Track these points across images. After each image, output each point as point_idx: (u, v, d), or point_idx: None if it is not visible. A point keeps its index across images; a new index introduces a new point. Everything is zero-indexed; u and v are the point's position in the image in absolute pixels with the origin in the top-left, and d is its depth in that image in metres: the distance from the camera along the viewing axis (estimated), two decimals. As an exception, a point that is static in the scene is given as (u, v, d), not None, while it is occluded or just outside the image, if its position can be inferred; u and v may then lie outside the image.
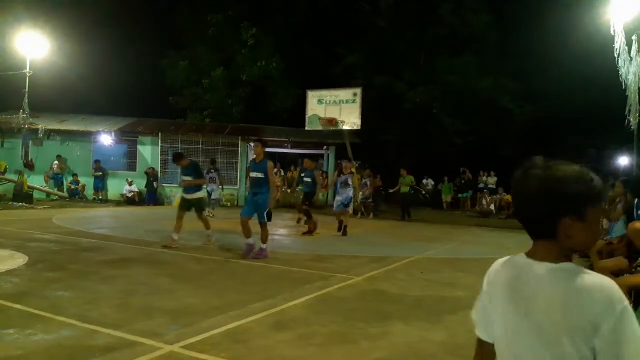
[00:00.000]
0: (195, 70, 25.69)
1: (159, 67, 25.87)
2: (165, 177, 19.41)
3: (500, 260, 1.35)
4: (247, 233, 7.02)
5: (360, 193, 16.51)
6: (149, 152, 19.53)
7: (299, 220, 11.68)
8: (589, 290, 1.09)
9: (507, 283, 1.26)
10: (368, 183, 16.85)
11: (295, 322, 4.00)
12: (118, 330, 3.55)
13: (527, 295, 1.18)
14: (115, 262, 6.32)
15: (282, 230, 11.85)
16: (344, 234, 10.47)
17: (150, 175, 18.36)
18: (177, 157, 8.49)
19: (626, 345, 1.04)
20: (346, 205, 10.77)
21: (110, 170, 19.05)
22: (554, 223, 1.15)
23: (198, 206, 8.29)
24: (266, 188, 7.00)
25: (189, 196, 8.13)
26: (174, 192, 18.92)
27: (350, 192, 10.81)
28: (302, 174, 11.07)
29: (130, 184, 18.48)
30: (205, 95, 25.67)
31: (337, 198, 10.81)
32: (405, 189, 16.53)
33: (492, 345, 1.34)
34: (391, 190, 18.52)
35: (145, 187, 18.32)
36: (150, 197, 18.21)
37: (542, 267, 1.18)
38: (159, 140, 19.41)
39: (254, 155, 7.44)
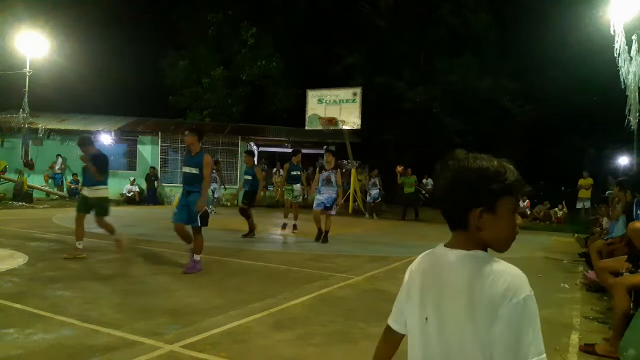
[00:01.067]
0: (195, 69, 25.69)
1: (159, 66, 25.86)
2: (165, 177, 19.42)
3: (424, 252, 1.36)
4: (188, 238, 6.05)
5: (369, 194, 16.41)
6: (149, 152, 19.54)
7: (284, 226, 10.76)
8: (494, 276, 1.12)
9: (424, 271, 1.29)
10: (377, 183, 16.61)
11: (295, 321, 3.99)
12: (118, 329, 3.55)
13: (439, 282, 1.20)
14: (115, 261, 6.32)
15: (281, 230, 11.83)
16: (324, 240, 8.92)
17: (151, 175, 18.37)
18: (83, 143, 6.91)
19: (522, 336, 1.05)
20: (329, 207, 8.91)
21: (110, 170, 18.98)
22: (465, 214, 1.18)
23: (99, 208, 6.68)
24: (200, 186, 5.93)
25: (89, 193, 6.70)
26: (174, 192, 18.94)
27: (333, 191, 8.96)
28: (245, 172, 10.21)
29: (132, 183, 18.48)
30: (205, 94, 25.67)
31: (318, 197, 9.08)
32: (409, 189, 16.36)
33: (399, 335, 1.37)
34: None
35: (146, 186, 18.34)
36: (151, 196, 18.21)
37: (454, 254, 1.21)
38: (159, 140, 19.41)
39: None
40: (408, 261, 6.43)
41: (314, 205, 9.10)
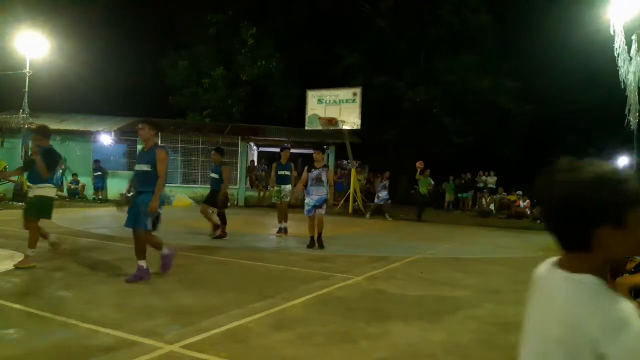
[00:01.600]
0: (195, 70, 25.69)
1: (159, 67, 25.86)
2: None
3: (549, 259, 1.18)
4: (156, 244, 5.47)
5: (377, 196, 16.17)
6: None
7: (215, 228, 9.25)
8: (596, 309, 0.97)
9: (534, 281, 1.17)
10: (387, 186, 16.27)
11: (295, 321, 3.99)
12: (118, 330, 3.55)
13: (538, 297, 1.12)
14: (115, 262, 6.32)
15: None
16: (320, 245, 8.18)
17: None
18: (39, 134, 6.26)
19: None
20: (318, 206, 8.12)
21: (110, 170, 19.05)
22: (588, 234, 1.01)
23: (39, 208, 5.94)
24: (154, 186, 5.37)
25: (33, 192, 5.96)
26: (174, 192, 18.95)
27: (324, 191, 8.12)
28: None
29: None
30: (205, 95, 25.67)
31: (307, 200, 8.15)
32: (424, 189, 15.94)
33: None
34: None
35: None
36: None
37: (559, 274, 1.07)
38: (159, 140, 19.37)
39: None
40: (408, 261, 6.46)
41: (305, 211, 8.13)
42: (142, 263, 5.22)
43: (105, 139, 19.12)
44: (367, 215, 16.16)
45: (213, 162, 9.48)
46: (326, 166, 8.44)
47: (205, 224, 9.54)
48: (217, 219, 9.10)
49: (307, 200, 8.16)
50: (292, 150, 22.87)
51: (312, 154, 8.64)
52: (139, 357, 3.07)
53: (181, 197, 18.67)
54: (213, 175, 9.34)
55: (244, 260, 6.85)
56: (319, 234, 8.19)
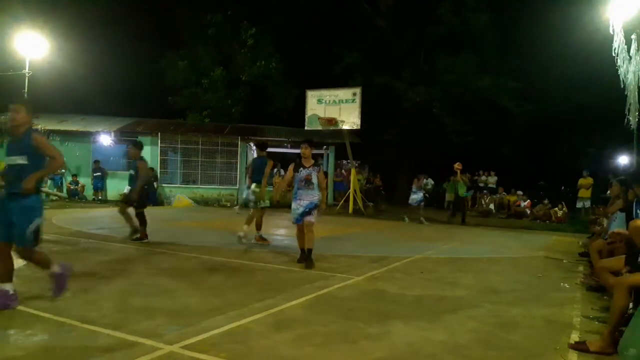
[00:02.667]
0: (195, 70, 25.67)
1: (158, 67, 25.85)
2: (164, 178, 19.42)
3: None
4: (42, 262, 4.39)
5: (415, 197, 15.17)
6: (148, 152, 19.50)
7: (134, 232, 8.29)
8: None
9: None
10: (422, 187, 15.52)
11: (295, 322, 3.99)
12: (118, 330, 3.54)
13: None
14: (115, 262, 6.32)
15: (282, 230, 11.84)
16: (308, 262, 6.55)
17: (151, 176, 18.36)
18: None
19: None
20: (307, 212, 6.60)
21: (110, 170, 19.06)
22: None
23: None
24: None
25: None
26: (174, 192, 18.96)
27: (315, 195, 6.64)
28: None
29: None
30: (204, 95, 25.66)
31: (294, 205, 6.69)
32: (462, 191, 15.15)
33: None
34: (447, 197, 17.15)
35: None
36: (150, 197, 18.19)
37: None
38: (159, 141, 19.41)
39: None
40: (408, 261, 6.47)
41: (293, 218, 6.68)
42: (9, 288, 4.09)
43: (105, 140, 19.12)
44: (406, 219, 15.21)
45: (130, 157, 8.67)
46: (317, 165, 6.83)
47: (206, 224, 9.55)
48: (136, 221, 8.27)
49: (294, 205, 6.65)
50: (292, 151, 23.07)
51: (312, 154, 7.02)
52: (139, 357, 3.07)
53: (181, 197, 18.68)
54: (131, 171, 8.54)
55: (243, 261, 6.85)
56: (309, 251, 6.60)
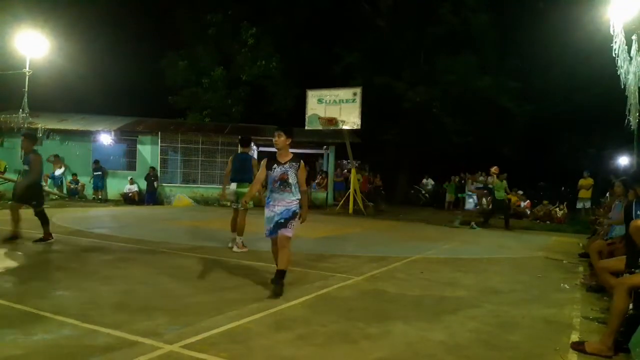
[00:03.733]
0: (195, 70, 25.67)
1: (159, 66, 25.86)
2: (165, 177, 19.43)
3: None
4: None
5: (469, 200, 14.50)
6: (148, 152, 19.53)
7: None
8: None
9: None
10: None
11: (295, 322, 3.99)
12: (118, 330, 3.54)
13: None
14: (115, 261, 6.32)
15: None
16: (277, 291, 4.88)
17: (151, 175, 18.37)
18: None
19: None
20: (283, 224, 4.97)
21: (110, 169, 19.06)
22: None
23: None
24: None
25: None
26: (174, 192, 18.96)
27: (294, 200, 5.05)
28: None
29: (132, 182, 18.50)
30: (204, 95, 25.66)
31: (267, 213, 5.13)
32: (501, 194, 14.36)
33: None
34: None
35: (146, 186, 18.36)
36: (150, 196, 18.22)
37: None
38: (159, 140, 19.41)
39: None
40: (408, 261, 6.46)
41: (266, 230, 5.12)
42: None
43: (105, 139, 19.11)
44: (473, 225, 14.06)
45: (24, 150, 7.85)
46: (296, 160, 5.11)
47: (206, 223, 9.54)
48: (18, 227, 7.53)
49: (266, 213, 5.09)
50: (292, 151, 22.99)
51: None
52: (138, 357, 3.06)
53: (181, 197, 18.67)
54: (25, 167, 7.68)
55: (243, 260, 6.84)
56: (281, 273, 4.97)
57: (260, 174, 5.21)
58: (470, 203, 14.26)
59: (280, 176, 4.97)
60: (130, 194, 18.25)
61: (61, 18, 20.54)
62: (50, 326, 3.59)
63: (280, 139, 5.06)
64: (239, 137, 8.89)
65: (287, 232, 4.92)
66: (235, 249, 7.58)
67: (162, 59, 25.90)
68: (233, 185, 7.80)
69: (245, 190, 7.28)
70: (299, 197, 5.03)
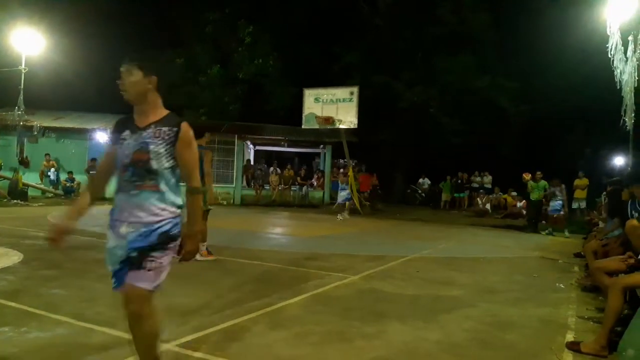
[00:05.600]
0: (192, 68, 25.61)
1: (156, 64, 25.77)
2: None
3: None
4: None
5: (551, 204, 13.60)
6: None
7: None
8: None
9: None
10: (558, 193, 13.33)
11: (291, 321, 3.99)
12: (113, 328, 3.53)
13: None
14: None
15: (279, 229, 11.86)
16: None
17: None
18: None
19: None
20: (139, 265, 2.49)
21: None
22: None
23: None
24: None
25: None
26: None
27: (165, 210, 2.45)
28: None
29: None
30: (201, 93, 25.60)
31: (111, 240, 2.68)
32: (537, 195, 13.61)
33: None
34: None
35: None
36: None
37: None
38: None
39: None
40: (404, 260, 6.47)
41: (108, 261, 2.80)
42: None
43: (101, 137, 19.05)
44: (547, 232, 13.39)
45: None
46: (173, 122, 2.67)
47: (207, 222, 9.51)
48: None
49: (109, 240, 2.74)
50: (289, 149, 23.08)
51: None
52: (133, 355, 3.06)
53: (177, 195, 18.63)
54: None
55: (240, 259, 6.84)
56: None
57: (107, 157, 2.66)
58: (553, 209, 13.38)
59: (134, 156, 2.42)
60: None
61: (57, 15, 20.45)
62: (45, 324, 3.58)
63: (131, 78, 2.68)
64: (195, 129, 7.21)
65: (142, 281, 2.48)
66: (198, 257, 6.81)
67: (159, 57, 25.81)
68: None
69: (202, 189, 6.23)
70: (178, 204, 2.50)
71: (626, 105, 8.84)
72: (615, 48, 8.13)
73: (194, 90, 25.59)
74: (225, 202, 18.94)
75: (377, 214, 17.41)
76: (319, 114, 17.21)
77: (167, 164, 2.45)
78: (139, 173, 2.42)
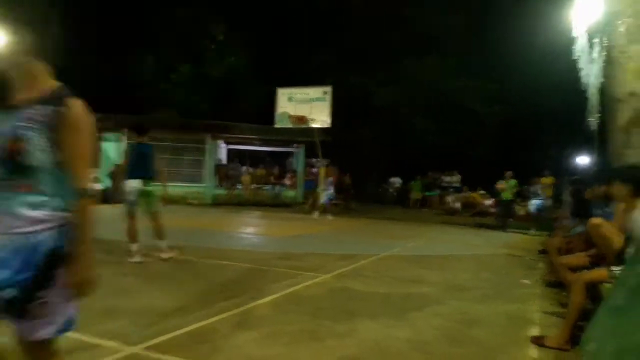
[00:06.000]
0: (163, 65, 25.21)
1: (125, 61, 25.25)
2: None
3: None
4: None
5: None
6: (113, 149, 19.09)
7: None
8: None
9: None
10: (540, 192, 13.34)
11: (262, 321, 3.97)
12: (78, 332, 3.43)
13: None
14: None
15: (251, 228, 11.79)
16: None
17: (116, 173, 17.98)
18: None
19: None
20: (26, 304, 1.72)
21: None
22: None
23: None
24: None
25: None
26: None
27: (42, 216, 1.74)
28: None
29: (95, 180, 18.04)
30: (172, 91, 25.22)
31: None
32: (507, 194, 13.97)
33: None
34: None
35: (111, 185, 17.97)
36: (115, 195, 17.82)
37: None
38: (124, 137, 18.97)
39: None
40: (376, 259, 6.50)
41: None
42: None
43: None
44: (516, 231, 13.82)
45: None
46: (57, 100, 1.82)
47: (171, 222, 9.38)
48: None
49: None
50: (262, 148, 22.98)
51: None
52: (100, 359, 2.99)
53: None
54: None
55: (210, 259, 6.76)
56: None
57: None
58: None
59: (7, 146, 1.75)
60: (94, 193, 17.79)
61: (19, 10, 19.81)
62: (3, 329, 3.46)
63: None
64: (135, 124, 7.23)
65: (37, 332, 1.83)
66: (163, 255, 6.47)
67: (129, 54, 25.31)
68: (133, 183, 6.39)
69: (152, 188, 6.47)
70: (61, 207, 1.83)
71: (591, 107, 9.11)
72: (582, 50, 8.36)
73: (165, 88, 25.20)
74: (196, 202, 18.73)
75: (350, 212, 17.49)
76: (292, 113, 17.19)
77: (48, 157, 1.77)
78: (11, 169, 1.74)
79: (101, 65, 23.76)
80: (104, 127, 19.30)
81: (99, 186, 18.02)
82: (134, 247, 6.29)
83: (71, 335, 3.36)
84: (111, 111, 21.23)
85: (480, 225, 14.88)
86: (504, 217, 14.29)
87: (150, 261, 6.38)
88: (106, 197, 17.91)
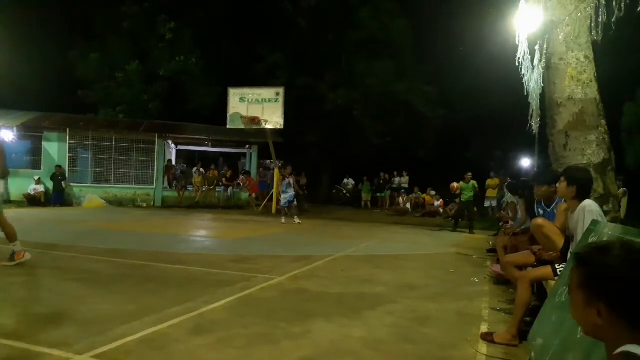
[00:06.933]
0: (108, 63, 24.32)
1: (68, 58, 24.20)
2: (74, 176, 18.24)
3: None
4: None
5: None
6: (55, 149, 18.26)
7: None
8: None
9: None
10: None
11: (216, 325, 3.90)
12: (20, 341, 3.27)
13: None
14: (17, 268, 5.82)
15: (202, 231, 11.58)
16: None
17: (58, 175, 17.20)
18: None
19: None
20: None
21: (12, 168, 17.51)
22: None
23: None
24: None
25: None
26: (85, 192, 17.88)
27: None
28: None
29: (37, 182, 17.20)
30: (118, 89, 24.36)
31: None
32: (467, 196, 14.11)
33: None
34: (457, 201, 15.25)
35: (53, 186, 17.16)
36: (57, 197, 17.06)
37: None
38: (67, 137, 18.20)
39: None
40: (330, 260, 6.54)
41: None
42: None
43: (6, 135, 17.59)
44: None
45: None
46: None
47: (120, 225, 9.09)
48: None
49: None
50: (214, 149, 22.62)
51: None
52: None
53: (92, 197, 17.66)
54: None
55: (160, 264, 6.58)
56: None
57: None
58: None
59: None
60: (35, 195, 16.94)
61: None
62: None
63: None
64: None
65: None
66: (5, 263, 5.88)
67: (72, 50, 24.28)
68: None
69: None
70: None
71: (532, 111, 9.54)
72: (523, 57, 8.73)
73: (111, 87, 24.32)
74: (145, 204, 18.22)
75: (304, 214, 17.50)
76: (244, 114, 17.01)
77: None
78: None
79: (45, 63, 22.67)
80: (46, 126, 18.46)
81: (41, 188, 17.21)
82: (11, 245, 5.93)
83: (14, 344, 3.20)
84: (53, 110, 20.34)
85: (430, 225, 15.26)
86: (459, 218, 14.57)
87: (97, 266, 6.15)
88: (48, 199, 17.14)
